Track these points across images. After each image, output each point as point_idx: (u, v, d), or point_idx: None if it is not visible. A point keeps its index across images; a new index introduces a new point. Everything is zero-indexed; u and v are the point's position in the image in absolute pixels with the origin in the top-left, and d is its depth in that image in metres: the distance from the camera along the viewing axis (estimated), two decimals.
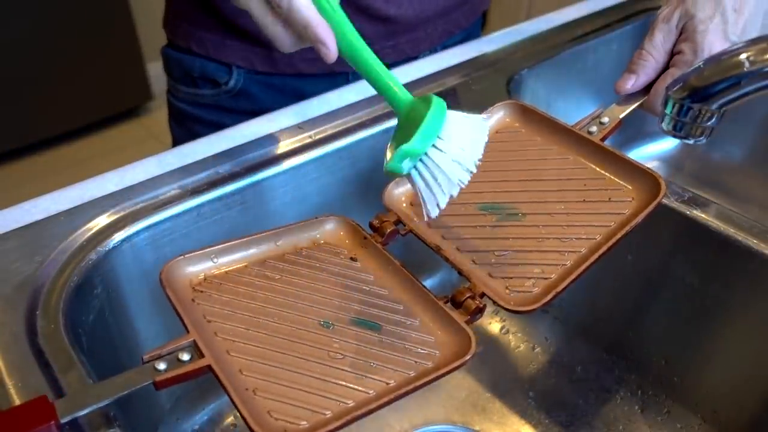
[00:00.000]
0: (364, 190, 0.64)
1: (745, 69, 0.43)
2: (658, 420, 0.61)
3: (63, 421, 0.35)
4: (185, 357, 0.37)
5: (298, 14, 0.44)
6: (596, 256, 0.44)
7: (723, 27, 0.55)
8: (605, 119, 0.54)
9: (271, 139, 0.61)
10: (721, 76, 0.45)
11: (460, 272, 0.45)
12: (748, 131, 0.86)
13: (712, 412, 0.59)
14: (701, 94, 0.47)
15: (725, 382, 0.58)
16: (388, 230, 0.47)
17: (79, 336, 0.46)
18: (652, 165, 0.88)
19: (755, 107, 0.85)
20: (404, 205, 0.50)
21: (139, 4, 2.21)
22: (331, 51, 0.44)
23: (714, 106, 0.47)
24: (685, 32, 0.56)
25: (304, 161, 0.59)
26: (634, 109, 0.56)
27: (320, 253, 0.47)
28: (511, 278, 0.45)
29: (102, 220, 0.52)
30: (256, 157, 0.59)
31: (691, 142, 0.51)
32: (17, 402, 0.40)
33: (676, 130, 0.50)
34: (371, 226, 0.48)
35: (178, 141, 0.85)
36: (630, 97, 0.57)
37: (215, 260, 0.45)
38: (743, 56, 0.43)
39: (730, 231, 0.52)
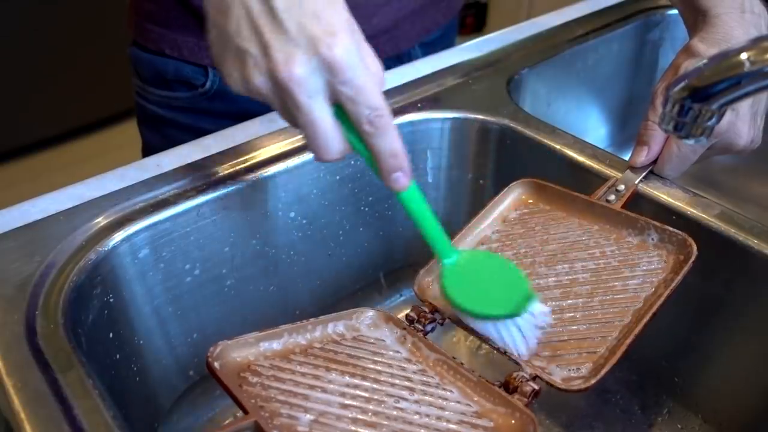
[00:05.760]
0: (364, 190, 0.64)
1: (745, 69, 0.43)
2: (658, 420, 0.60)
3: None
4: None
5: (390, 135, 0.42)
6: (645, 321, 0.44)
7: None
8: (621, 187, 0.56)
9: (271, 138, 0.61)
10: (722, 76, 0.45)
11: (509, 357, 0.45)
12: None
13: (713, 412, 0.59)
14: (701, 94, 0.46)
15: (726, 382, 0.58)
16: (427, 322, 0.48)
17: (78, 336, 0.46)
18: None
19: None
20: (439, 293, 0.49)
21: None
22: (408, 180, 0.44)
23: (714, 106, 0.47)
24: None
25: (304, 161, 0.59)
26: (646, 174, 0.57)
27: (361, 344, 0.46)
28: (560, 356, 0.45)
29: (102, 220, 0.52)
30: (256, 157, 0.58)
31: (691, 142, 0.50)
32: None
33: (677, 130, 0.50)
34: (408, 318, 0.48)
35: (149, 146, 0.82)
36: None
37: (261, 346, 0.44)
38: (743, 56, 0.43)
39: (731, 231, 0.52)
